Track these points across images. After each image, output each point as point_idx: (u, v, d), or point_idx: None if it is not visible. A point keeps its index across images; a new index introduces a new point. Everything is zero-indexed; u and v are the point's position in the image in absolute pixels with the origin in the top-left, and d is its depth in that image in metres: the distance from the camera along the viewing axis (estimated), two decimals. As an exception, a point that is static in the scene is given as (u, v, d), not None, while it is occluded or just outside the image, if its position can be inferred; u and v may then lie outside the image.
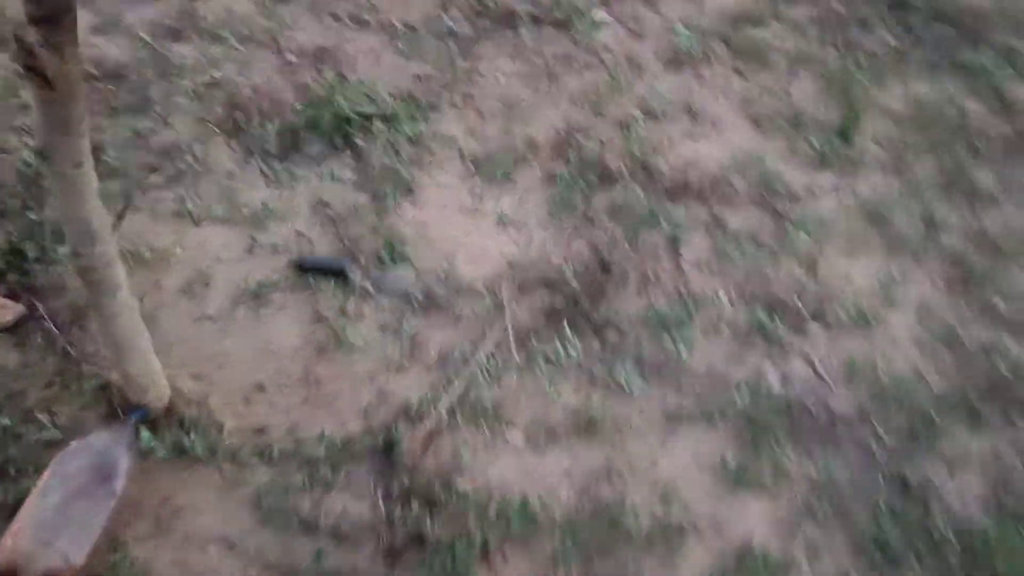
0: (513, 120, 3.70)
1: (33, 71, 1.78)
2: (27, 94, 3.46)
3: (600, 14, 4.21)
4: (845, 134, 3.73)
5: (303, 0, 4.16)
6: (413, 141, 3.54)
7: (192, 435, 2.61)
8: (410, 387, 2.80)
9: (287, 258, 3.12)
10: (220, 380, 2.80)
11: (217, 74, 3.74)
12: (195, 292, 3.00)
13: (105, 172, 3.27)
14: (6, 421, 2.61)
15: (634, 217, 3.34)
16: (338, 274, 3.07)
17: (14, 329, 2.86)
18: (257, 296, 3.00)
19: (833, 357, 2.97)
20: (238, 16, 4.03)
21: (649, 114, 3.78)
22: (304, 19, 4.06)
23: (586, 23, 4.16)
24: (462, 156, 3.54)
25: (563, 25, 4.17)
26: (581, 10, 4.24)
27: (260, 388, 2.79)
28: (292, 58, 3.86)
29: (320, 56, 3.88)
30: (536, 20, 4.19)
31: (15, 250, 3.03)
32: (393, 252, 3.15)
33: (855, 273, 3.22)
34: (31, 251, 3.01)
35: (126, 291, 2.34)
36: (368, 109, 3.56)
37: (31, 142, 3.37)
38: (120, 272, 2.29)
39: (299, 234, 3.21)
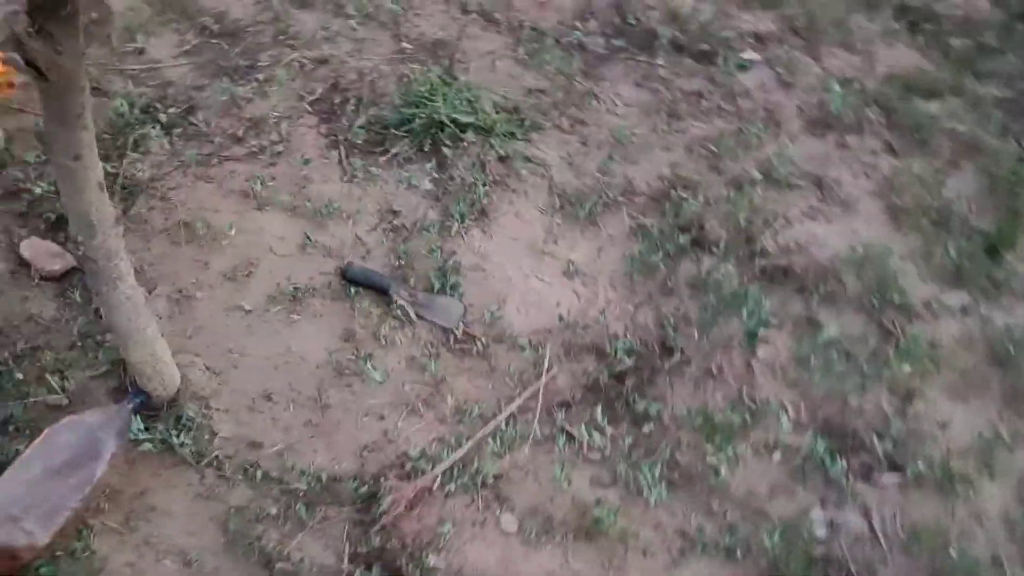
0: (617, 157, 3.39)
1: (25, 61, 1.67)
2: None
3: (749, 54, 3.80)
4: (995, 248, 3.19)
5: (442, -16, 3.98)
6: (504, 160, 3.30)
7: (185, 434, 2.52)
8: (417, 435, 2.61)
9: (336, 263, 2.97)
10: (232, 379, 2.70)
11: (328, 50, 3.62)
12: (237, 279, 2.91)
13: (190, 135, 3.28)
14: (20, 375, 2.61)
15: (717, 296, 2.98)
16: (380, 292, 2.91)
17: (60, 280, 2.87)
18: (295, 298, 2.87)
19: (899, 517, 2.55)
20: (370, -9, 3.91)
21: (771, 179, 3.37)
22: (433, 6, 3.88)
23: (731, 61, 3.76)
24: (551, 187, 3.27)
25: (705, 59, 3.79)
26: (730, 45, 3.84)
27: (268, 398, 2.67)
28: (407, 46, 3.69)
29: (436, 49, 3.69)
30: (677, 48, 3.83)
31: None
32: (446, 279, 2.95)
33: (956, 422, 2.75)
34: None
35: (130, 283, 2.25)
36: (466, 117, 3.34)
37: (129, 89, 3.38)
38: (122, 265, 2.19)
39: (357, 239, 3.06)
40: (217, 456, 2.51)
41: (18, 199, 3.05)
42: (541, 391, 2.70)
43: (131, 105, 3.30)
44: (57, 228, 2.98)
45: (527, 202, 3.21)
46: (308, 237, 3.01)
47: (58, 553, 2.32)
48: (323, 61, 3.58)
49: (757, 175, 3.35)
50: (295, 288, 2.88)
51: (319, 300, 2.89)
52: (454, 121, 3.32)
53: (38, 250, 2.90)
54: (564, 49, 3.75)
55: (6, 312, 2.78)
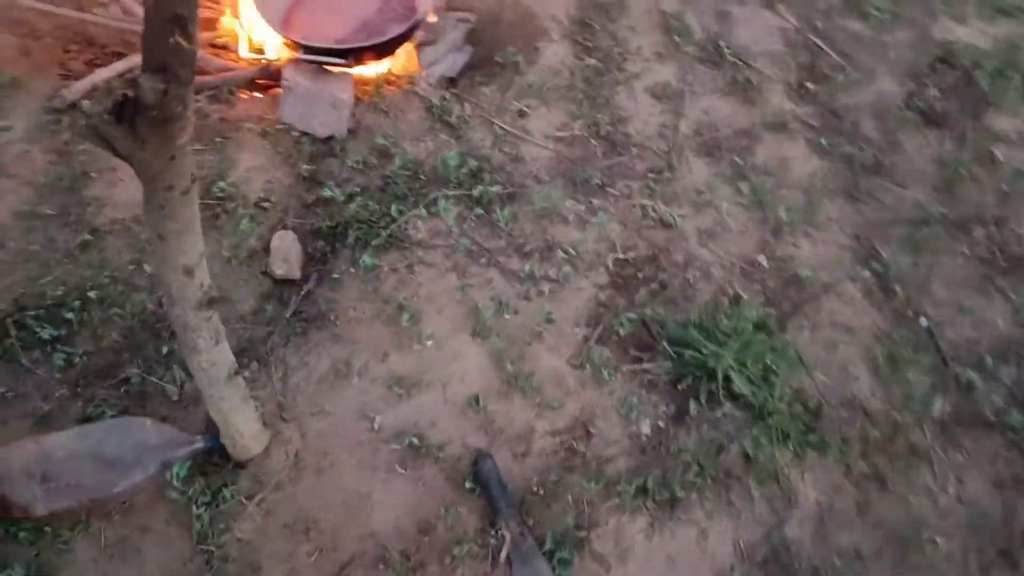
0: (887, 557, 2.43)
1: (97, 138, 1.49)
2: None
3: None
4: None
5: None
6: (749, 461, 2.55)
7: (210, 508, 2.36)
8: None
9: (482, 445, 2.55)
10: (304, 483, 2.46)
11: (681, 214, 3.09)
12: (392, 391, 2.64)
13: (486, 222, 3.02)
14: (165, 349, 2.65)
15: None
16: (492, 508, 2.43)
17: (274, 283, 2.85)
18: (416, 451, 2.52)
19: None
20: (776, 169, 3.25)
21: None
22: (833, 235, 3.10)
23: None
24: (770, 532, 2.45)
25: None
26: None
27: (307, 531, 2.39)
28: (764, 262, 3.00)
29: (790, 284, 2.95)
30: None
31: (332, 231, 2.96)
32: (563, 548, 2.37)
33: None
34: (346, 237, 2.93)
35: (207, 357, 2.07)
36: (744, 385, 2.62)
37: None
38: (200, 341, 2.01)
39: (529, 433, 2.59)
40: (214, 552, 2.32)
41: (314, 190, 3.08)
42: None
43: (462, 163, 3.14)
44: (317, 236, 2.96)
45: (725, 526, 2.45)
46: (478, 400, 2.62)
47: (47, 527, 2.33)
48: (664, 224, 3.07)
49: None
50: (423, 440, 2.54)
51: (434, 470, 2.50)
52: (727, 379, 2.63)
53: (283, 245, 2.90)
54: (941, 379, 2.77)
55: (223, 281, 2.84)
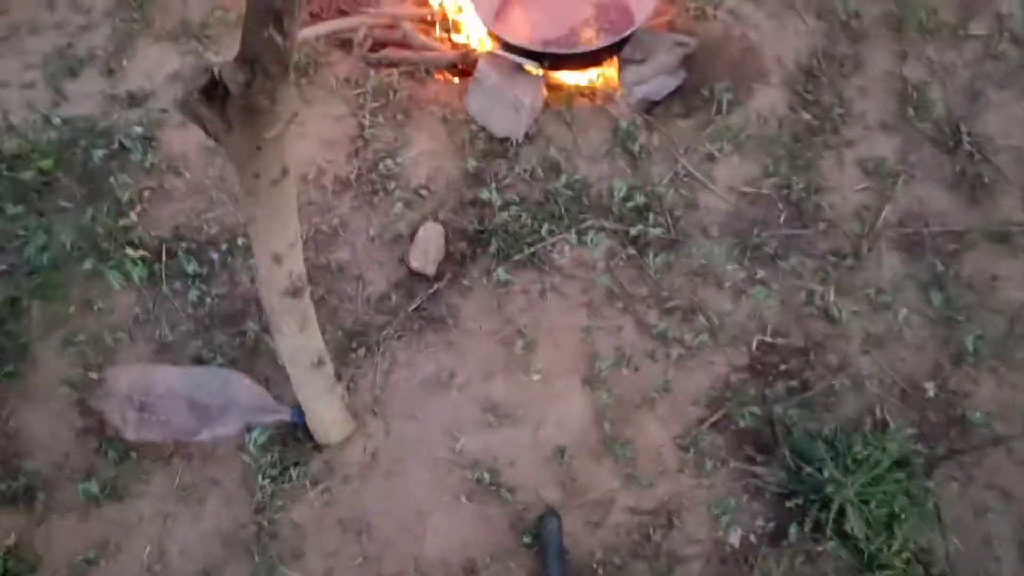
0: None
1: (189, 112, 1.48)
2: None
3: None
4: None
5: None
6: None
7: (272, 485, 2.40)
8: None
9: (555, 503, 2.41)
10: (372, 482, 2.44)
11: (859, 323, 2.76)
12: (485, 418, 2.55)
13: (637, 267, 2.84)
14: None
15: None
16: (543, 566, 2.29)
17: (408, 274, 2.83)
18: (486, 486, 2.43)
19: None
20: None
21: None
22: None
23: None
24: None
25: None
26: None
27: (359, 536, 2.36)
28: (931, 390, 2.61)
29: (950, 429, 2.55)
30: None
31: (478, 235, 2.89)
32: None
33: None
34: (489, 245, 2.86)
35: (290, 342, 2.06)
36: (861, 526, 2.30)
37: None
38: (283, 324, 2.00)
39: (608, 502, 2.42)
40: (265, 526, 2.35)
41: (475, 188, 3.01)
42: None
43: (629, 196, 2.95)
44: (462, 237, 2.91)
45: None
46: (565, 453, 2.47)
47: (133, 452, 2.45)
48: (829, 316, 2.74)
49: None
50: (496, 477, 2.44)
51: (498, 511, 2.40)
52: (841, 512, 2.31)
53: (427, 237, 2.86)
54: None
55: (361, 259, 2.85)
